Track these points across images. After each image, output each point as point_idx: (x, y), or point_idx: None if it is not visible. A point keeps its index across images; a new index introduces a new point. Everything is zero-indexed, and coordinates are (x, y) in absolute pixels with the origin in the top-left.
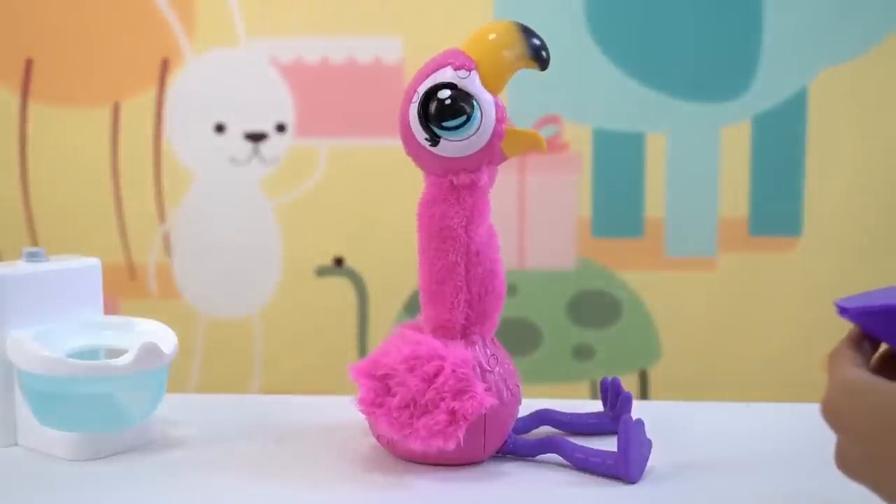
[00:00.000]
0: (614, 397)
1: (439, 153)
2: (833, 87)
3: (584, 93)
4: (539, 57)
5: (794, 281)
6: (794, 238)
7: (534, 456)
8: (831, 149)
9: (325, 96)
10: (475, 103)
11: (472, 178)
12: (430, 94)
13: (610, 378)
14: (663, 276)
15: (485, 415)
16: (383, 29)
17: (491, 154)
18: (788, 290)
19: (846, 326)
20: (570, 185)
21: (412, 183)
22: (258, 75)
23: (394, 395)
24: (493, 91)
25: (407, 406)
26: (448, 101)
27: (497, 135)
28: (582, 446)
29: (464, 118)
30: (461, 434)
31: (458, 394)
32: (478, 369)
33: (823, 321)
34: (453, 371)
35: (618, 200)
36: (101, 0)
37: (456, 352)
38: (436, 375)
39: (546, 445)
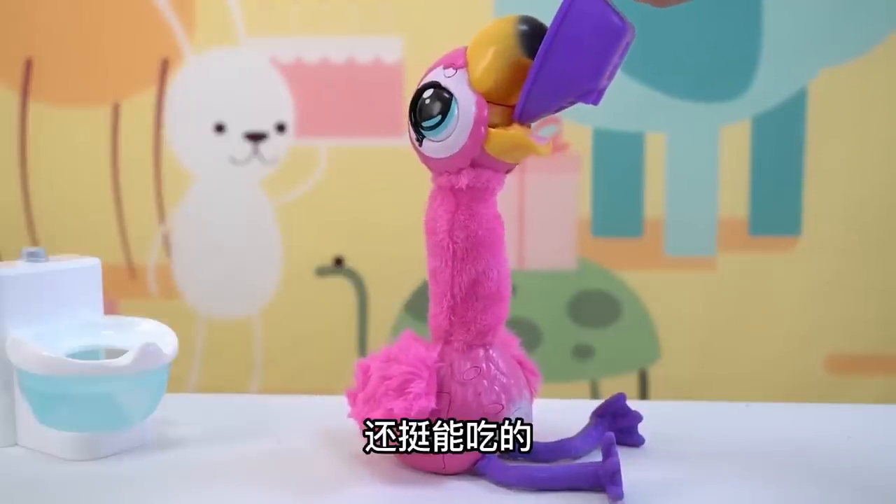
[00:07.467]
0: (615, 418)
1: (425, 153)
2: (833, 87)
3: None
4: (527, 44)
5: (794, 281)
6: (793, 238)
7: (503, 482)
8: (831, 149)
9: (325, 96)
10: (453, 103)
11: (452, 180)
12: (419, 93)
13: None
14: (663, 276)
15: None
16: (383, 29)
17: (472, 156)
18: (788, 290)
19: (845, 327)
20: (570, 185)
21: (412, 183)
22: (258, 75)
23: (363, 391)
24: (491, 88)
25: (367, 401)
26: (427, 101)
27: (474, 137)
28: (557, 469)
29: (438, 118)
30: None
31: (397, 393)
32: (437, 374)
33: (823, 321)
34: (404, 371)
35: (617, 200)
36: (101, 0)
37: (418, 353)
38: (390, 373)
39: (519, 474)
